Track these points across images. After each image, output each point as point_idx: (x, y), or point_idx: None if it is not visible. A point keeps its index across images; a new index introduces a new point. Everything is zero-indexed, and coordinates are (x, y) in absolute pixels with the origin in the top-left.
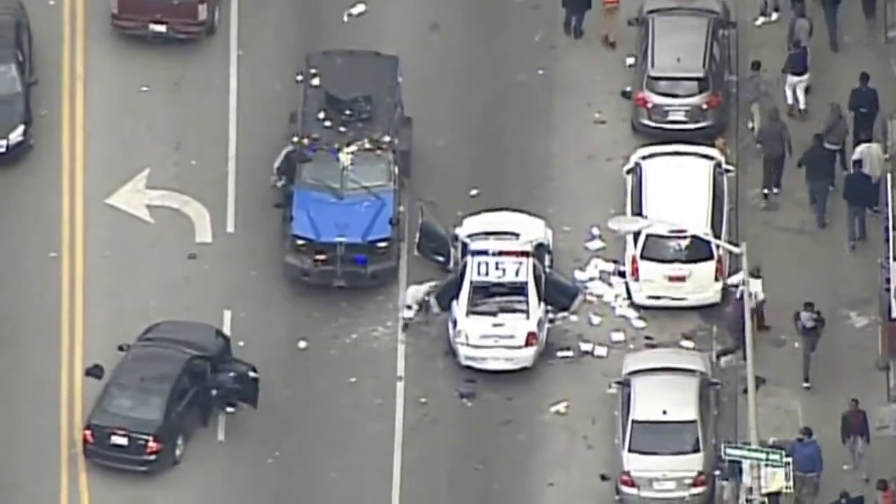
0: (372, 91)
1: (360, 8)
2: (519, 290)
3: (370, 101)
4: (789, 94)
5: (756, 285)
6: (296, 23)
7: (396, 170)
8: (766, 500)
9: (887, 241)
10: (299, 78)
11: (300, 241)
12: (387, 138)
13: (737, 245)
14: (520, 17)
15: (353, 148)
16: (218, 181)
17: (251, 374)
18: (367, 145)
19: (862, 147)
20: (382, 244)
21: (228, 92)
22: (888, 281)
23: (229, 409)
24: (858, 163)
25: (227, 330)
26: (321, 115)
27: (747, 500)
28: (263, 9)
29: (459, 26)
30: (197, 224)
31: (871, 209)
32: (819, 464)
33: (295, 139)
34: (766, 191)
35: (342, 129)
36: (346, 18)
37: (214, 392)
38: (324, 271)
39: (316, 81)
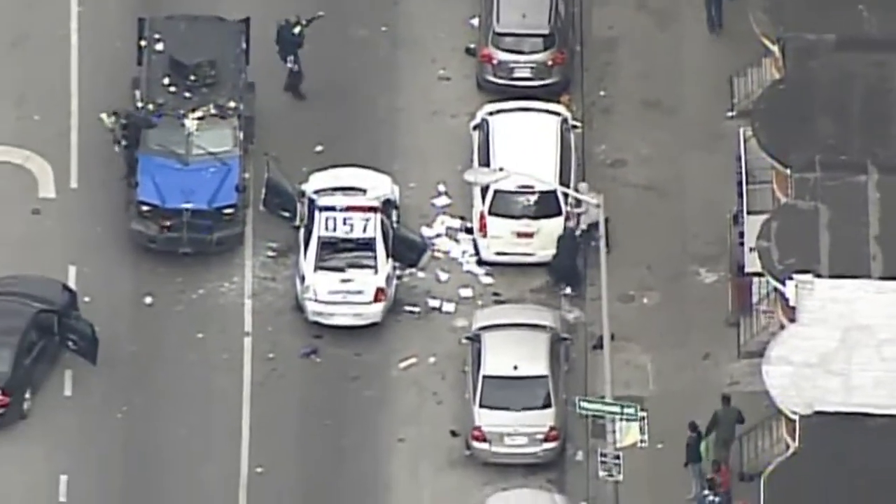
0: (216, 56)
1: None
2: (367, 245)
3: (215, 66)
4: None
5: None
6: None
7: (241, 135)
8: (620, 455)
9: (740, 195)
10: (143, 43)
11: (145, 208)
12: (232, 104)
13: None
14: None
15: (198, 114)
16: (60, 136)
17: (91, 331)
18: (213, 111)
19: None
20: (228, 210)
21: (70, 47)
22: (741, 235)
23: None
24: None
25: (72, 285)
26: (166, 81)
27: (602, 456)
28: None
29: None
30: (40, 179)
31: None
32: None
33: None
34: None
35: (187, 94)
36: None
37: (71, 342)
38: (170, 238)
39: (160, 46)
